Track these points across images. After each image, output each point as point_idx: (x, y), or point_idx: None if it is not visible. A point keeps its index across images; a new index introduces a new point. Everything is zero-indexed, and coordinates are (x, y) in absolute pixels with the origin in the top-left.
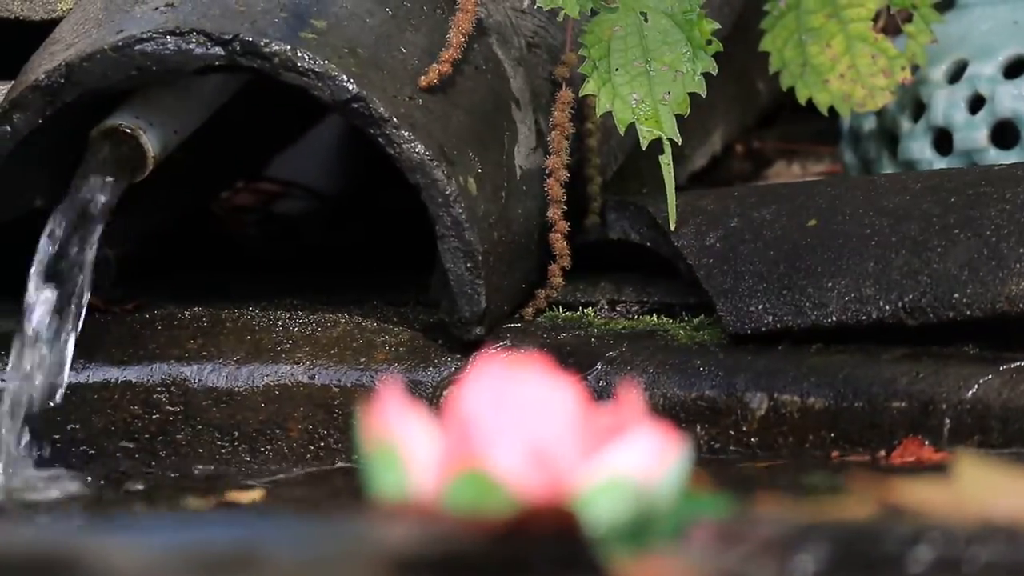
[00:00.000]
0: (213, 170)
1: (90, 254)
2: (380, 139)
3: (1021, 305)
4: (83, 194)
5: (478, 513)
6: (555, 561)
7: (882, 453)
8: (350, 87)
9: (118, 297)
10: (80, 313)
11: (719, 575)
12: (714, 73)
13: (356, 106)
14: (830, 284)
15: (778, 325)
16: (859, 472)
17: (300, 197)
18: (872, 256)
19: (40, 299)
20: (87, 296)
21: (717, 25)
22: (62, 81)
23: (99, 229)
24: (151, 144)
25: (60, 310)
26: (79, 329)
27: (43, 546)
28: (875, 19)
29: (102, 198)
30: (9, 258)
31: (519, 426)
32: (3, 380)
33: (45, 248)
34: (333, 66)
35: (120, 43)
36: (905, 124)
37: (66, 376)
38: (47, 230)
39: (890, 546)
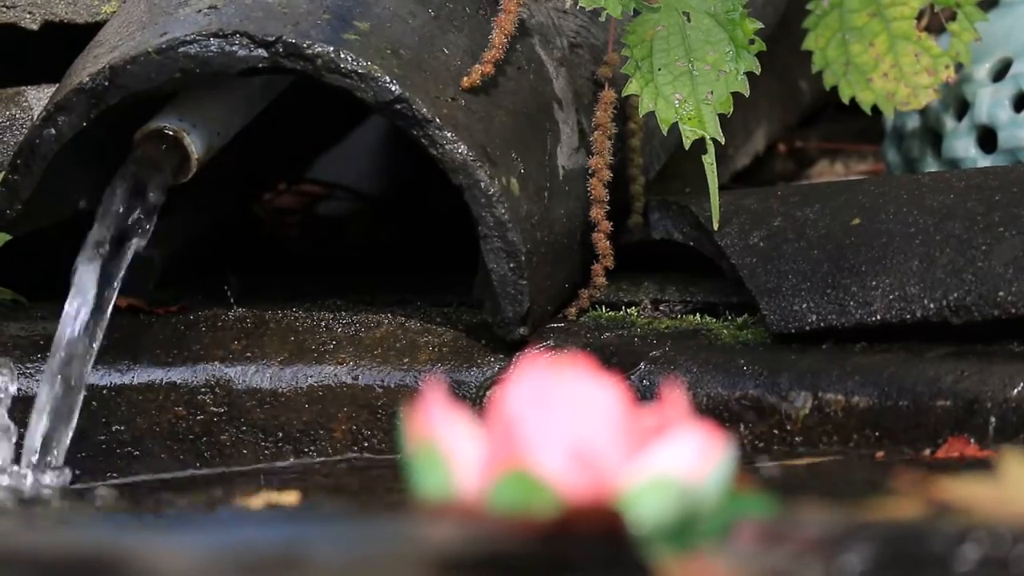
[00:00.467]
0: (257, 172)
1: (132, 256)
2: (423, 140)
3: None
4: (127, 196)
5: (522, 513)
6: (599, 561)
7: (927, 452)
8: (393, 88)
9: (162, 299)
10: (107, 315)
11: (764, 575)
12: (757, 72)
13: (399, 107)
14: (874, 283)
15: (822, 324)
16: (904, 471)
17: (343, 198)
18: (916, 255)
19: (77, 301)
20: (113, 299)
21: (760, 24)
22: (106, 84)
23: (143, 231)
24: (195, 146)
25: (95, 312)
26: (106, 331)
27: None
28: (918, 17)
29: (146, 200)
30: (53, 260)
31: (563, 426)
32: (39, 381)
33: (88, 250)
34: (376, 67)
35: (164, 45)
36: (949, 123)
37: (89, 378)
38: (90, 232)
39: (936, 545)
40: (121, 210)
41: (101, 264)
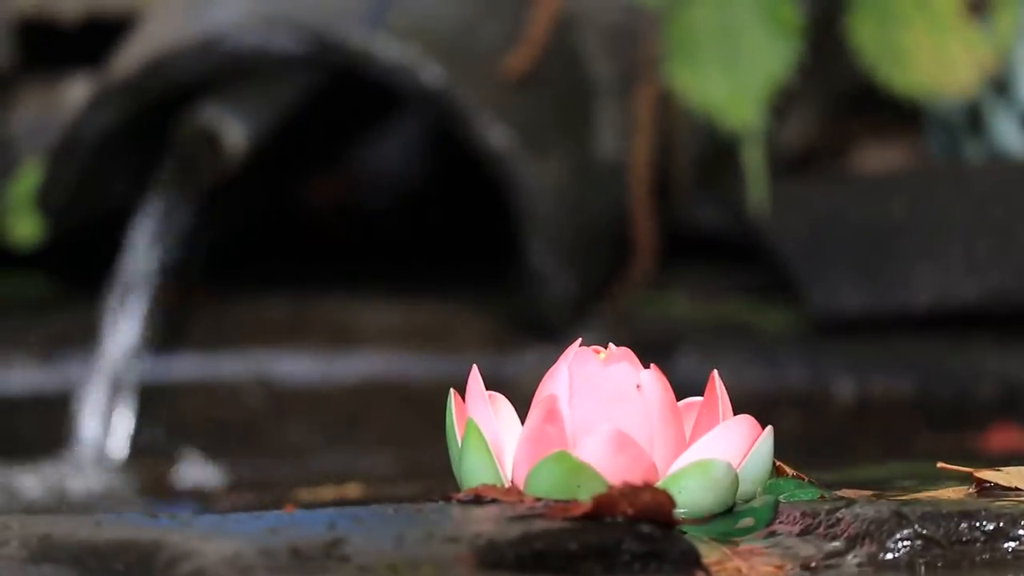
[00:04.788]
0: (297, 162)
1: (176, 247)
2: (463, 129)
3: None
4: (168, 187)
5: (564, 500)
6: (641, 548)
7: (971, 437)
8: (433, 79)
9: (206, 289)
10: (151, 305)
11: (808, 562)
12: (799, 59)
13: (438, 98)
14: (917, 270)
15: (865, 311)
16: (948, 456)
17: (383, 188)
18: (959, 241)
19: (122, 292)
20: (158, 288)
21: (802, 11)
22: (148, 75)
23: (185, 222)
24: (236, 137)
25: (140, 304)
26: (152, 321)
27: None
28: (962, 4)
29: (188, 193)
30: (97, 251)
31: (604, 414)
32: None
33: (133, 241)
34: (416, 58)
35: (205, 37)
36: (991, 108)
37: (134, 369)
38: (134, 223)
39: (981, 530)
40: (164, 202)
41: (145, 255)
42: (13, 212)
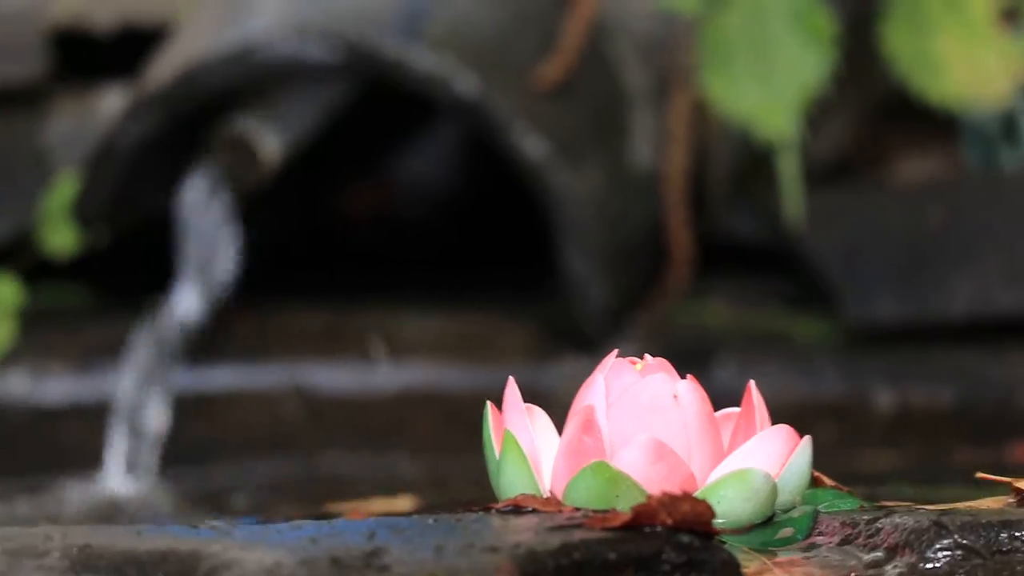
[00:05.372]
0: (333, 172)
1: (210, 257)
2: (499, 139)
3: None
4: (206, 199)
5: (603, 510)
6: (681, 558)
7: (1010, 447)
8: (468, 88)
9: (243, 300)
10: (187, 315)
11: (848, 572)
12: (834, 69)
13: (475, 107)
14: (954, 279)
15: (902, 321)
16: (988, 466)
17: (419, 197)
18: (996, 251)
19: (156, 303)
20: (201, 300)
21: (836, 21)
22: (183, 85)
23: (222, 233)
24: (271, 147)
25: (175, 314)
26: (188, 332)
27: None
28: (995, 12)
29: (224, 203)
30: (133, 262)
31: (641, 424)
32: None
33: (175, 251)
34: (451, 68)
35: (239, 47)
36: None
37: (172, 380)
38: (171, 235)
39: (1021, 540)
40: (200, 213)
41: (181, 267)
42: (49, 223)
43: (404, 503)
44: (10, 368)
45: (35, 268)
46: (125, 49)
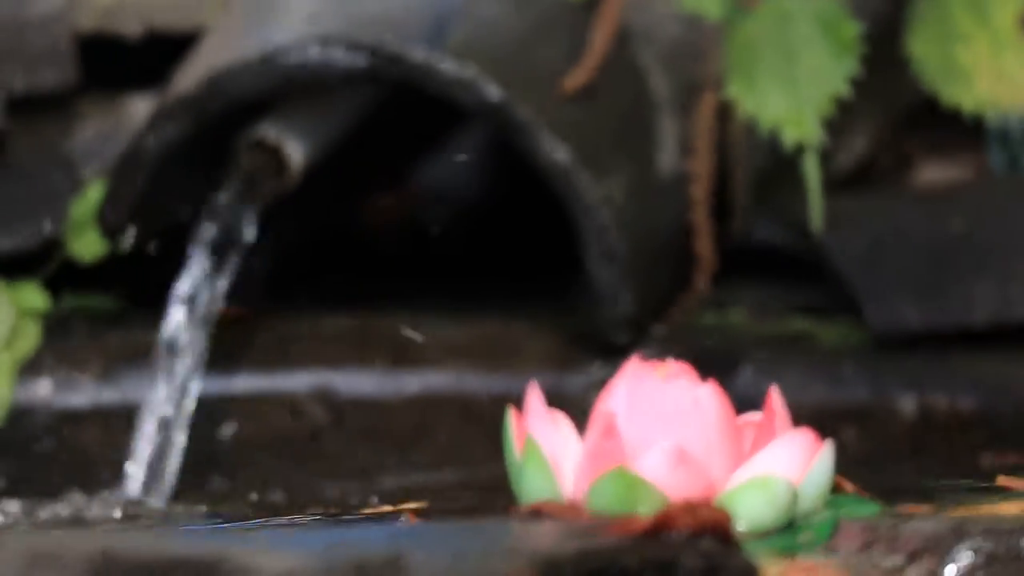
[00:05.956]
0: (357, 178)
1: (236, 265)
2: (523, 145)
3: None
4: (229, 206)
5: (624, 515)
6: (701, 564)
7: None
8: (493, 94)
9: (266, 307)
10: (212, 321)
11: None
12: (859, 75)
13: (499, 113)
14: (977, 285)
15: (925, 327)
16: (1010, 472)
17: (443, 204)
18: (1020, 257)
19: (181, 310)
20: (219, 307)
21: (861, 26)
22: (207, 92)
23: (246, 240)
24: (295, 154)
25: (200, 321)
26: (210, 340)
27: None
28: (1021, 19)
29: (248, 210)
30: (156, 268)
31: (664, 430)
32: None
33: (192, 259)
34: (476, 74)
35: (264, 53)
36: None
37: (194, 387)
38: (194, 242)
39: None
40: (224, 220)
41: (205, 274)
42: (76, 229)
43: (425, 508)
44: (34, 374)
45: (61, 274)
46: (154, 57)
